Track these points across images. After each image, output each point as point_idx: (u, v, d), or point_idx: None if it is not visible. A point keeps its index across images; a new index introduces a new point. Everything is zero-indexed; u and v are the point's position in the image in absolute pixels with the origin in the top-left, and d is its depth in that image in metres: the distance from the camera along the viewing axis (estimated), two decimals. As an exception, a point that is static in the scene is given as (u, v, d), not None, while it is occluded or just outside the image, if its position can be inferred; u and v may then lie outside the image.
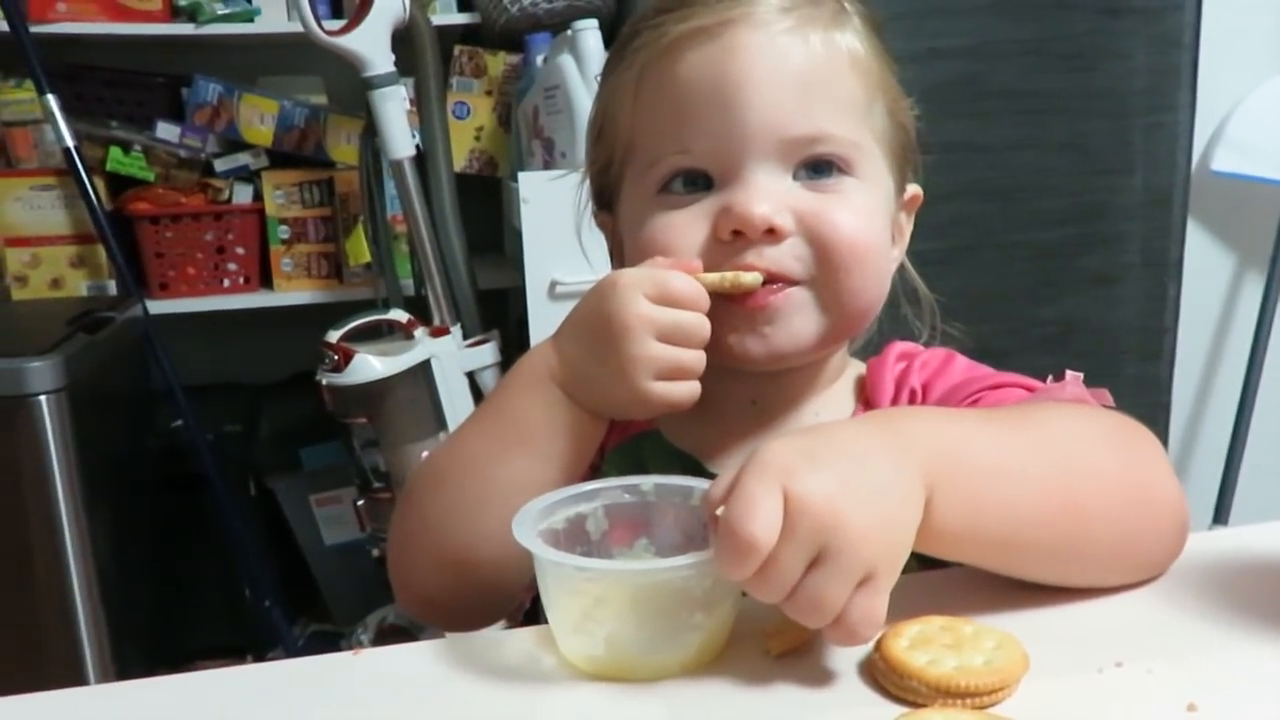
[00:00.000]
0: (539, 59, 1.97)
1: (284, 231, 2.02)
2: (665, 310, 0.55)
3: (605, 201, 0.69)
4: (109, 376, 1.65)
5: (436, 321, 1.81)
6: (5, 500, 1.46)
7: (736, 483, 0.44)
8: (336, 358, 1.64)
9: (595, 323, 0.56)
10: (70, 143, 1.78)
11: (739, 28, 0.59)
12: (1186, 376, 1.82)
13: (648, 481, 0.53)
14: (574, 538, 0.52)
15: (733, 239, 0.59)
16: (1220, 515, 1.77)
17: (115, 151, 1.92)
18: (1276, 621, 0.50)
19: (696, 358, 0.56)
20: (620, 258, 0.68)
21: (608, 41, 1.79)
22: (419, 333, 1.72)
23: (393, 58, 1.75)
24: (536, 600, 0.71)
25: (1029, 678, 0.45)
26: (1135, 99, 1.61)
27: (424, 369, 1.69)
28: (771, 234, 0.58)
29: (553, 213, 1.73)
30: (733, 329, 0.59)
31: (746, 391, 0.66)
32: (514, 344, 1.83)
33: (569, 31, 1.80)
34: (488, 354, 1.80)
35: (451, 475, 0.60)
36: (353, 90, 1.86)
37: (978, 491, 0.48)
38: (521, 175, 1.72)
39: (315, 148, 2.03)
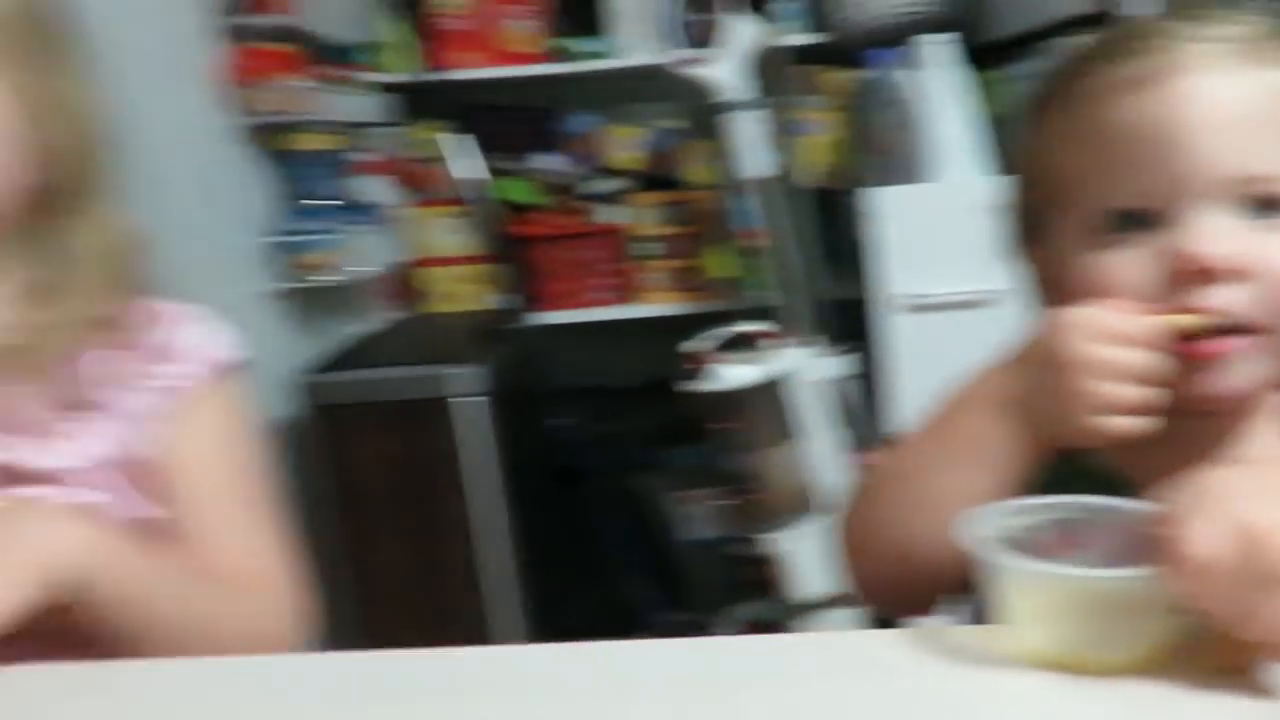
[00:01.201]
0: (885, 74, 2.00)
1: (646, 248, 2.18)
2: (1114, 350, 0.56)
3: (1031, 236, 0.70)
4: (512, 381, 1.87)
5: (792, 333, 1.89)
6: (424, 488, 1.69)
7: (1191, 511, 0.46)
8: (697, 367, 1.76)
9: (1045, 358, 0.58)
10: (472, 175, 2.03)
11: (1172, 74, 0.59)
12: None
13: (1092, 501, 0.55)
14: (1019, 545, 0.55)
15: (1180, 280, 0.58)
16: None
17: (507, 182, 2.16)
18: None
19: (1141, 395, 0.56)
20: (1050, 293, 0.69)
21: (959, 51, 1.79)
22: (775, 344, 1.80)
23: (747, 82, 1.85)
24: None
25: None
26: None
27: (782, 378, 1.77)
28: (1221, 275, 0.58)
29: (903, 225, 1.75)
30: (1178, 373, 0.59)
31: (1177, 420, 0.65)
32: (867, 355, 1.87)
33: (916, 46, 1.81)
34: (842, 365, 1.85)
35: (897, 479, 0.66)
36: (708, 113, 1.98)
37: None
38: (872, 189, 1.75)
39: (676, 170, 2.18)
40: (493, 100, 2.29)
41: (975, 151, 1.79)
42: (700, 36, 2.11)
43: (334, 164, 1.92)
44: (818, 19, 2.16)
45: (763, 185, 1.89)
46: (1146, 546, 0.49)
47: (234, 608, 0.69)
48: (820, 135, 2.18)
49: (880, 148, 2.02)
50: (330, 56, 2.07)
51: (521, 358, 2.01)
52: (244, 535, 0.73)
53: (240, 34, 1.74)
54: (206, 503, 0.72)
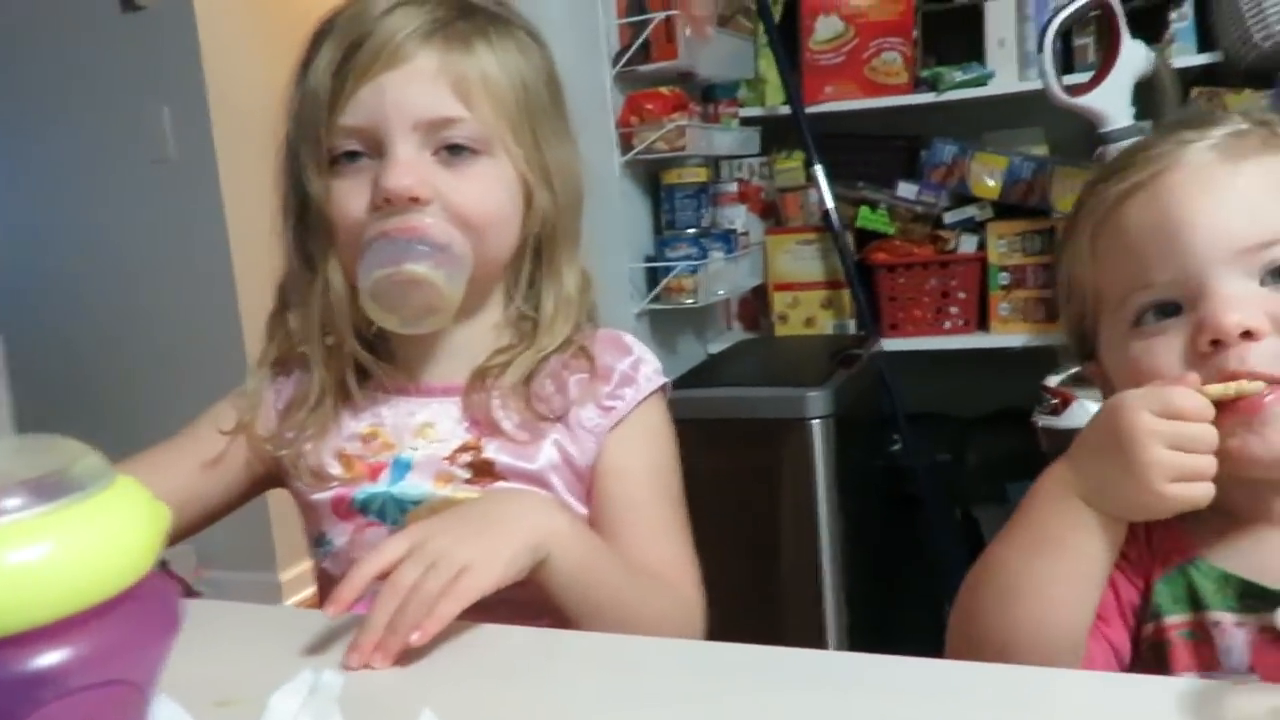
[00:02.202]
0: (1294, 95, 1.83)
1: (1004, 278, 2.15)
2: (1171, 423, 0.60)
3: (1087, 352, 0.74)
4: (857, 404, 1.93)
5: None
6: (775, 502, 1.79)
7: None
8: (1055, 401, 1.71)
9: (1107, 439, 0.62)
10: (829, 204, 2.11)
11: (1171, 174, 0.66)
12: None
13: None
14: None
15: (1211, 349, 0.63)
16: None
17: (864, 210, 2.22)
18: None
19: (1207, 462, 0.60)
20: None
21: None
22: (1140, 382, 1.72)
23: (1133, 110, 1.78)
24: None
25: None
26: None
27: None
28: (1248, 336, 0.62)
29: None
30: (1232, 434, 0.62)
31: (1265, 491, 0.67)
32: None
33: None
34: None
35: (993, 573, 0.68)
36: (1075, 139, 1.93)
37: None
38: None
39: (1039, 198, 2.13)
40: (859, 129, 2.37)
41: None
42: (1076, 61, 2.06)
43: (704, 195, 2.09)
44: (1216, 38, 2.02)
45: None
46: None
47: (657, 600, 0.79)
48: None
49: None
50: (710, 95, 2.25)
51: (870, 383, 2.06)
52: (665, 537, 0.82)
53: (635, 80, 1.95)
54: (638, 507, 0.82)
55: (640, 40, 1.93)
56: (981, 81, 2.17)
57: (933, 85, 2.19)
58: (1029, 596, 0.65)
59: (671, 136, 1.93)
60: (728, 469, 1.80)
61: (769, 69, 2.28)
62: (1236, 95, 2.01)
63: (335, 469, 0.83)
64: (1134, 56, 1.78)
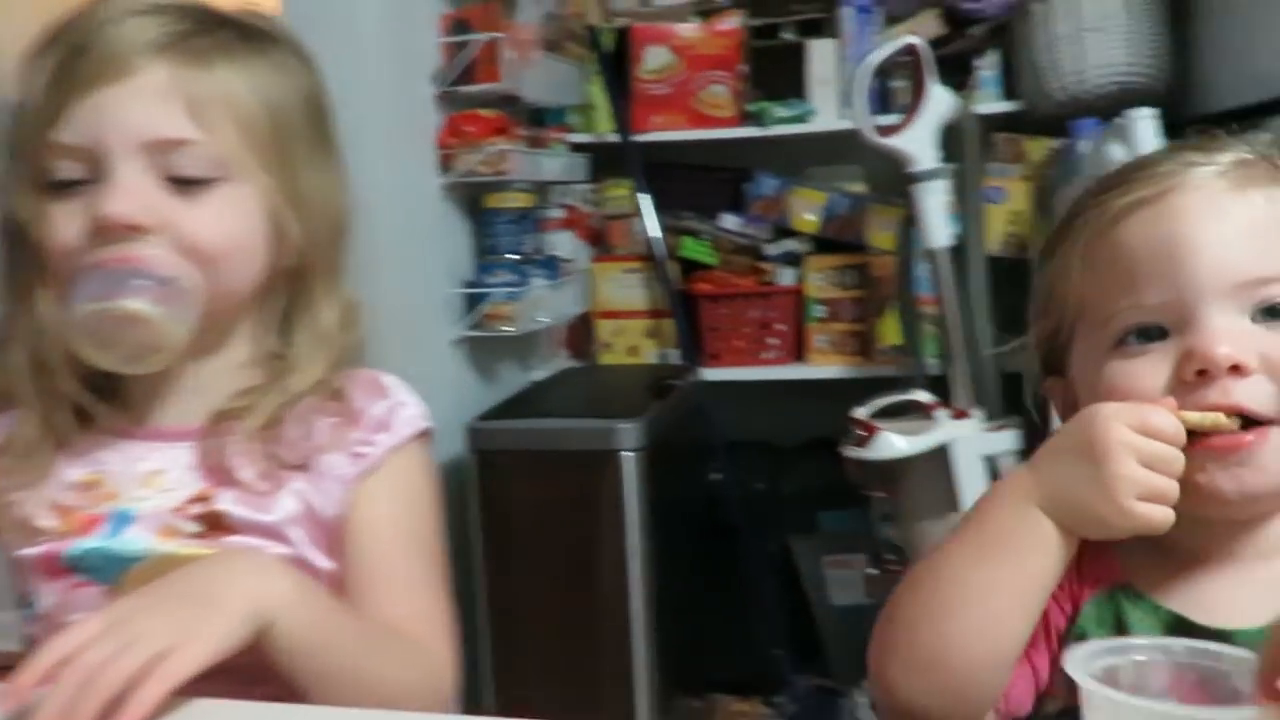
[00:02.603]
0: (1084, 145, 1.94)
1: (820, 311, 2.20)
2: (1146, 440, 0.59)
3: (1052, 368, 0.73)
4: (674, 435, 1.93)
5: (958, 404, 1.85)
6: (587, 534, 1.77)
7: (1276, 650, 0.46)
8: (863, 433, 1.76)
9: (1078, 447, 0.60)
10: (655, 233, 2.12)
11: (1177, 194, 0.64)
12: None
13: (1178, 644, 0.55)
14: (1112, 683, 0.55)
15: (1196, 379, 0.61)
16: None
17: (688, 240, 2.24)
18: None
19: (1173, 487, 0.59)
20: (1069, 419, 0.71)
21: (1167, 127, 1.72)
22: (940, 414, 1.78)
23: (939, 153, 1.84)
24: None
25: None
26: None
27: (944, 450, 1.74)
28: (1236, 371, 0.61)
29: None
30: (1201, 469, 0.61)
31: (1218, 540, 0.67)
32: (1034, 431, 1.81)
33: (1121, 119, 1.76)
34: (1007, 440, 1.80)
35: (928, 579, 0.65)
36: (891, 177, 1.99)
37: None
38: (1059, 265, 1.70)
39: (855, 234, 2.19)
40: (687, 160, 2.39)
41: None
42: (893, 103, 2.14)
43: (528, 220, 2.06)
44: (1018, 87, 2.13)
45: (944, 254, 1.88)
46: (1233, 693, 0.51)
47: (401, 664, 0.73)
48: (1008, 204, 2.14)
49: (1070, 220, 1.96)
50: (536, 119, 2.23)
51: (689, 412, 2.07)
52: (417, 594, 0.77)
53: (456, 101, 1.91)
54: (389, 562, 0.77)
55: (463, 61, 1.89)
56: (804, 118, 2.22)
57: (758, 119, 2.23)
58: (971, 605, 0.62)
59: (493, 160, 1.89)
60: (542, 501, 1.77)
61: (599, 96, 2.28)
62: (1034, 141, 2.12)
63: (47, 521, 0.75)
64: (940, 102, 1.85)
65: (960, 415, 1.80)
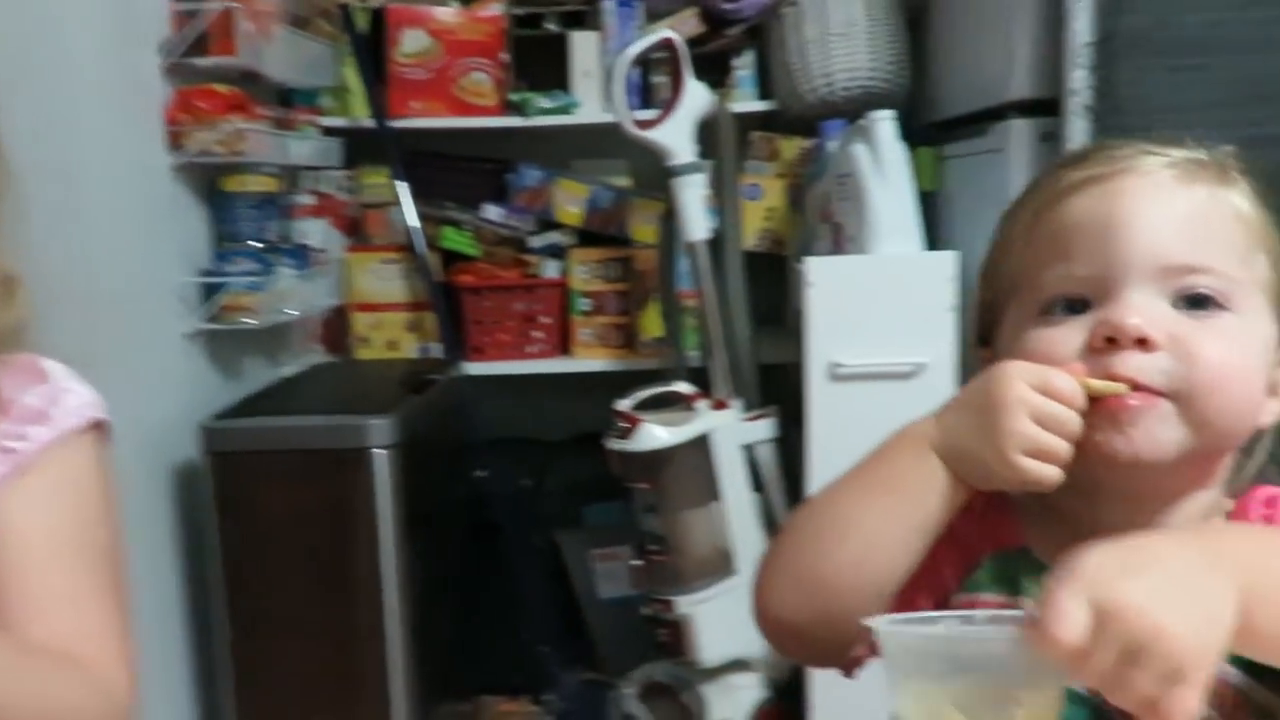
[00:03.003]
0: (833, 145, 2.03)
1: (585, 304, 2.19)
2: (1044, 399, 0.61)
3: (985, 337, 0.75)
4: (432, 431, 1.86)
5: (718, 395, 1.89)
6: (339, 536, 1.67)
7: (1049, 589, 0.50)
8: (626, 425, 1.75)
9: (978, 399, 0.63)
10: (414, 222, 2.04)
11: (1127, 177, 0.66)
12: None
13: (981, 614, 0.58)
14: None
15: (1104, 346, 0.63)
16: None
17: (449, 230, 2.17)
18: None
19: (1062, 446, 0.61)
20: None
21: (901, 128, 1.82)
22: (701, 405, 1.80)
23: (696, 148, 1.87)
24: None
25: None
26: None
27: (704, 441, 1.77)
28: (1142, 344, 0.62)
29: (836, 295, 1.76)
30: (1099, 429, 0.63)
31: (1112, 514, 0.67)
32: (791, 419, 1.87)
33: (864, 120, 1.84)
34: (765, 429, 1.85)
35: (822, 509, 0.68)
36: (654, 173, 2.01)
37: None
38: (809, 260, 1.77)
39: (619, 227, 2.19)
40: (448, 149, 2.32)
41: (911, 227, 1.81)
42: (654, 98, 2.15)
43: (274, 206, 1.93)
44: (773, 87, 2.20)
45: (702, 247, 1.91)
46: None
47: (63, 688, 0.65)
48: (764, 201, 2.20)
49: (821, 216, 2.04)
50: (283, 100, 2.09)
51: (450, 408, 2.00)
52: (79, 610, 0.69)
53: (187, 74, 1.75)
54: (46, 572, 0.69)
55: (194, 31, 1.73)
56: (567, 110, 2.20)
57: (520, 110, 2.19)
58: (857, 534, 0.65)
59: (230, 139, 1.75)
60: (288, 505, 1.66)
61: (354, 79, 2.17)
62: (788, 140, 2.20)
63: None
64: (696, 97, 1.87)
65: (720, 406, 1.83)
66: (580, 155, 2.33)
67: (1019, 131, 1.66)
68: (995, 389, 0.62)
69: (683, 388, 1.85)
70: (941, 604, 0.70)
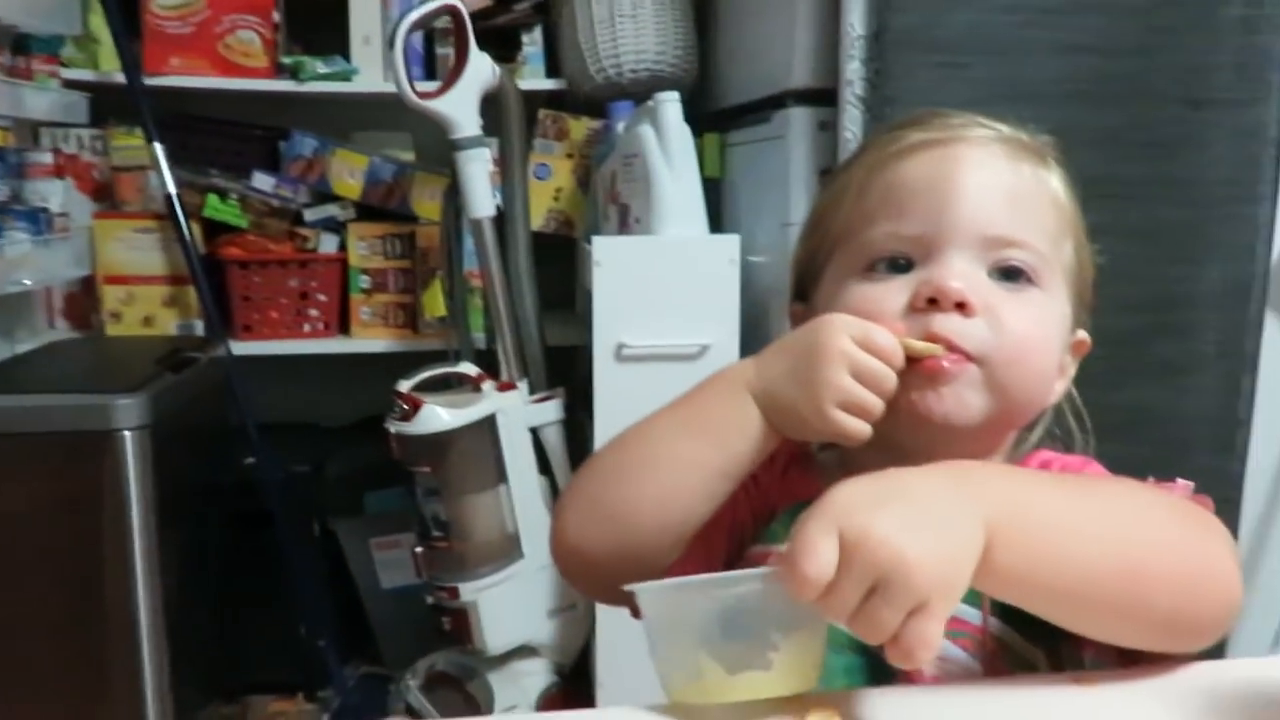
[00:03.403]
0: (620, 126, 2.03)
1: (365, 281, 2.09)
2: (864, 353, 0.61)
3: (801, 292, 0.75)
4: (191, 414, 1.72)
5: (504, 376, 1.85)
6: (84, 528, 1.52)
7: (799, 524, 0.50)
8: (406, 407, 1.69)
9: (801, 348, 0.63)
10: (172, 189, 1.88)
11: (961, 144, 0.68)
12: (1259, 473, 1.77)
13: (731, 576, 0.56)
14: None
15: (926, 307, 0.65)
16: (1294, 623, 1.71)
17: (213, 198, 2.01)
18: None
19: (876, 403, 0.62)
20: None
21: (687, 114, 1.84)
22: (486, 386, 1.76)
23: (480, 121, 1.82)
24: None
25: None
26: (1214, 189, 1.60)
27: (489, 422, 1.73)
28: (961, 308, 0.64)
29: (624, 276, 1.76)
30: (914, 388, 0.64)
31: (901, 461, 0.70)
32: (579, 401, 1.86)
33: (651, 102, 1.85)
34: (552, 410, 1.83)
35: (632, 441, 0.67)
36: (439, 147, 1.94)
37: (1037, 540, 0.53)
38: (596, 239, 1.76)
39: (400, 202, 2.10)
40: (215, 112, 2.15)
41: (697, 209, 1.83)
42: (439, 70, 2.08)
43: (2, 163, 1.72)
44: (561, 66, 2.17)
45: (488, 225, 1.86)
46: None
47: None
48: (552, 181, 2.18)
49: (609, 198, 2.04)
50: (18, 48, 1.87)
51: (213, 389, 1.86)
52: None
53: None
54: None
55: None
56: (345, 77, 2.09)
57: (294, 74, 2.06)
58: (663, 470, 0.64)
59: (-49, 87, 1.55)
60: (22, 493, 1.49)
61: (102, 29, 1.97)
62: (577, 121, 2.18)
63: None
64: (481, 69, 1.82)
65: (506, 387, 1.80)
66: (360, 126, 2.22)
67: (798, 119, 1.71)
68: (818, 339, 0.62)
69: (468, 369, 1.80)
70: (739, 549, 0.71)
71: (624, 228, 1.92)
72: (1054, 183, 0.70)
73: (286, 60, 2.08)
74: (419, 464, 1.72)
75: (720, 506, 0.66)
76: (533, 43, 2.20)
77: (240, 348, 1.98)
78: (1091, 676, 0.57)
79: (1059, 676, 0.59)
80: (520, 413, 1.79)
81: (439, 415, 1.68)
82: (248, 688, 2.00)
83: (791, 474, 0.73)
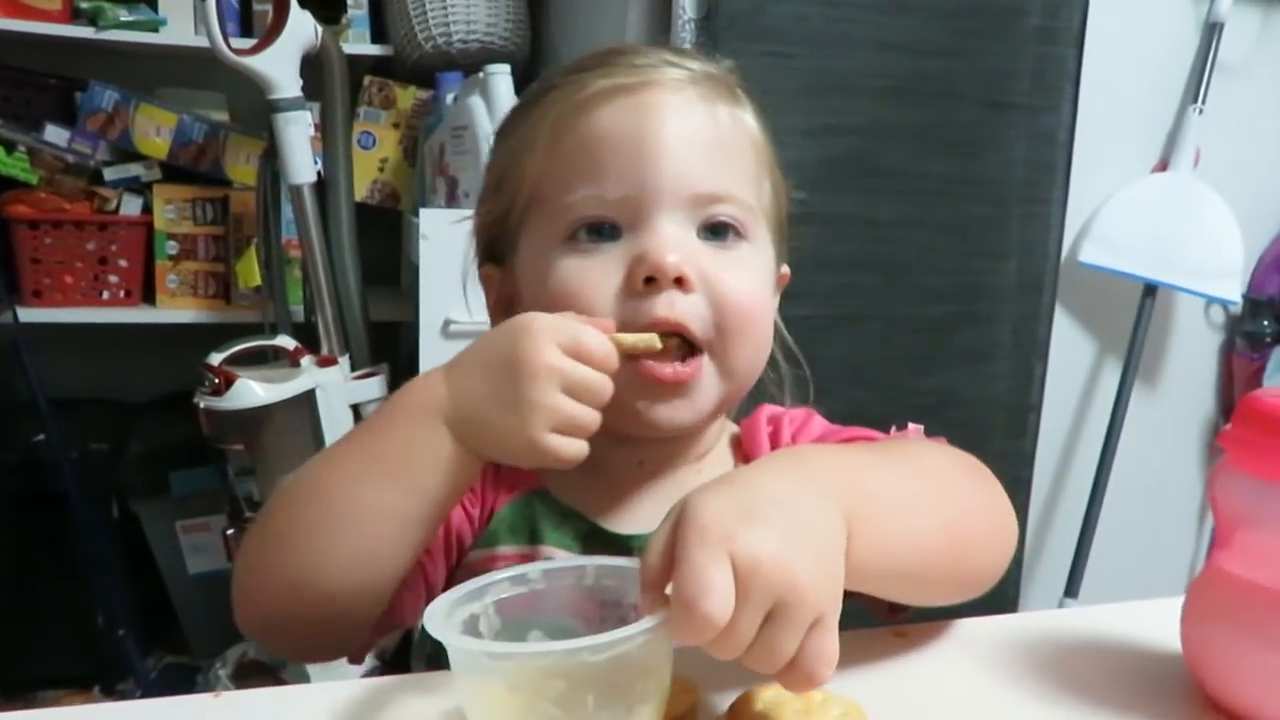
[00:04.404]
0: (449, 97, 1.98)
1: (172, 247, 1.97)
2: (575, 365, 0.54)
3: (494, 254, 0.68)
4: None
5: (324, 351, 1.78)
6: None
7: (680, 555, 0.42)
8: (217, 381, 1.60)
9: (501, 362, 0.54)
10: (-51, 139, 1.71)
11: (655, 89, 0.63)
12: (1047, 453, 1.91)
13: (534, 569, 0.50)
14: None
15: (645, 287, 0.60)
16: (1072, 588, 1.86)
17: (2, 151, 1.84)
18: (1101, 698, 0.53)
19: (594, 418, 0.55)
20: (508, 310, 0.67)
21: (519, 86, 1.82)
22: (305, 361, 1.69)
23: (300, 82, 1.74)
24: (403, 649, 0.69)
25: (870, 745, 0.47)
26: (1013, 188, 1.71)
27: (308, 399, 1.66)
28: (680, 284, 0.60)
29: (452, 250, 1.73)
30: (643, 395, 0.61)
31: (634, 453, 0.67)
32: (403, 378, 1.81)
33: (481, 74, 1.81)
34: (374, 387, 1.78)
35: (311, 493, 0.57)
36: (255, 109, 1.85)
37: (882, 528, 0.49)
38: (423, 211, 1.71)
39: (212, 165, 1.99)
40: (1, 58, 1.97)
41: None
42: (256, 27, 1.97)
43: None
44: (389, 32, 2.10)
45: (308, 193, 1.78)
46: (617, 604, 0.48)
47: None
48: (378, 151, 2.11)
49: (437, 170, 1.99)
50: None
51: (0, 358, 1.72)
52: None
53: None
54: None
55: None
56: (152, 27, 1.95)
57: (93, 20, 1.91)
58: (351, 529, 0.54)
59: None
60: None
61: None
62: (404, 89, 2.11)
63: None
64: (302, 27, 1.73)
65: (326, 363, 1.73)
66: (168, 81, 2.08)
67: (630, 99, 1.72)
68: (520, 352, 0.53)
69: (285, 342, 1.72)
70: (458, 560, 0.65)
71: (452, 201, 1.88)
72: (749, 120, 0.66)
73: (85, 5, 1.92)
74: (231, 442, 1.63)
75: (427, 545, 0.60)
76: (359, 5, 2.12)
77: (29, 314, 1.83)
78: (910, 629, 0.60)
79: (880, 630, 0.60)
80: (341, 389, 1.73)
81: (253, 390, 1.60)
82: (36, 683, 1.86)
83: (504, 465, 0.64)
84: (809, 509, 0.46)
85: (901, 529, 0.51)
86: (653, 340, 0.58)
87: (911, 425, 0.67)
